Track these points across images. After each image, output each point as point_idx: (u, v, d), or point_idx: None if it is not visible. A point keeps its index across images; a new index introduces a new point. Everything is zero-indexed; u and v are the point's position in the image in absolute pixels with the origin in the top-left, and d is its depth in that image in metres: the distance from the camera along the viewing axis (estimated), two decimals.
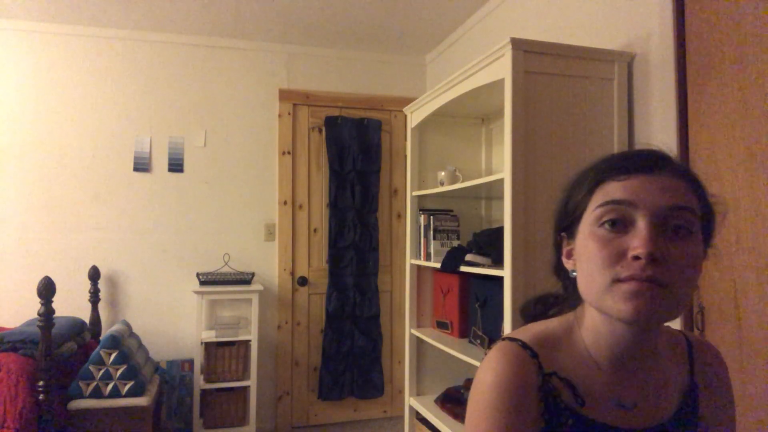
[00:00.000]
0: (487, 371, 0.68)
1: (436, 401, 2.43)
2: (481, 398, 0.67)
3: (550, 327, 0.74)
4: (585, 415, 0.67)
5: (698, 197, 0.65)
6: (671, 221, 0.61)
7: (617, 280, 0.61)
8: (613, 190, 0.64)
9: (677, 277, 0.60)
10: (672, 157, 0.67)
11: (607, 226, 0.63)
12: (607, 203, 0.64)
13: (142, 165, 3.16)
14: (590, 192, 0.67)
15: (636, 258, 0.60)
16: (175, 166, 3.21)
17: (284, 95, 3.38)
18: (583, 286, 0.67)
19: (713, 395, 0.75)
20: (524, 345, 0.70)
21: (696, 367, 0.76)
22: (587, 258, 0.65)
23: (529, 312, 0.83)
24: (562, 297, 0.80)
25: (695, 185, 0.65)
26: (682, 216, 0.62)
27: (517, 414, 0.65)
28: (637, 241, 0.60)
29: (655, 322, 0.61)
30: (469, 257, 2.10)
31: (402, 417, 3.36)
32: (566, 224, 0.72)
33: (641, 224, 0.61)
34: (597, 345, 0.69)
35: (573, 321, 0.73)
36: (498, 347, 0.71)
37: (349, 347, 3.36)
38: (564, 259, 0.74)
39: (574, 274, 0.70)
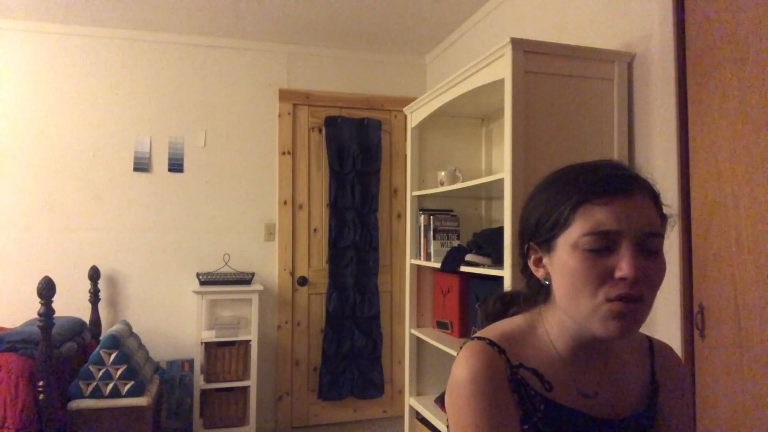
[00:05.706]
0: (461, 368, 0.73)
1: (436, 401, 2.43)
2: (459, 393, 0.72)
3: (514, 324, 0.79)
4: (554, 400, 0.73)
5: (660, 214, 0.72)
6: (646, 245, 0.68)
7: (605, 301, 0.67)
8: (598, 216, 0.68)
9: (651, 291, 0.68)
10: (639, 175, 0.73)
11: (593, 249, 0.68)
12: (596, 233, 0.68)
13: (142, 165, 3.16)
14: (572, 212, 0.70)
15: (622, 279, 0.66)
16: (175, 166, 3.22)
17: (284, 95, 3.38)
18: (565, 301, 0.72)
19: (672, 394, 0.82)
20: (491, 342, 0.75)
21: (657, 366, 0.82)
22: (571, 276, 0.70)
23: (489, 310, 0.89)
24: (524, 296, 0.85)
25: (657, 201, 0.73)
26: (655, 241, 0.69)
27: (496, 402, 0.70)
28: (624, 265, 0.66)
29: (633, 334, 0.69)
30: (469, 257, 2.10)
31: (402, 417, 3.36)
32: (542, 239, 0.75)
33: (626, 249, 0.67)
34: (561, 339, 0.76)
35: (537, 317, 0.79)
36: (467, 346, 0.76)
37: (349, 347, 3.36)
38: (533, 267, 0.79)
39: (547, 282, 0.76)
